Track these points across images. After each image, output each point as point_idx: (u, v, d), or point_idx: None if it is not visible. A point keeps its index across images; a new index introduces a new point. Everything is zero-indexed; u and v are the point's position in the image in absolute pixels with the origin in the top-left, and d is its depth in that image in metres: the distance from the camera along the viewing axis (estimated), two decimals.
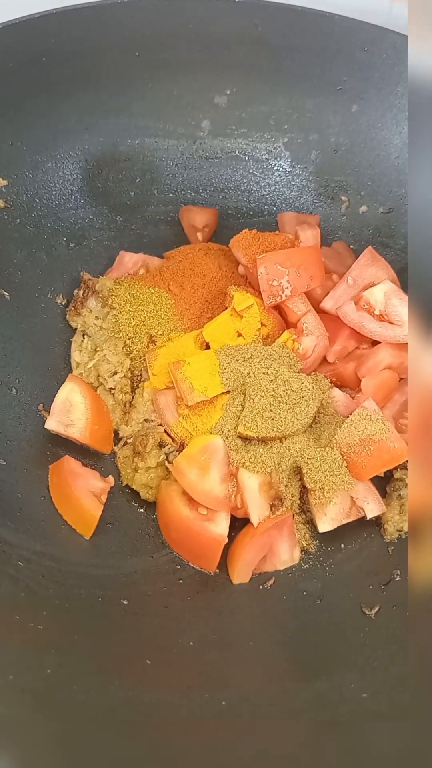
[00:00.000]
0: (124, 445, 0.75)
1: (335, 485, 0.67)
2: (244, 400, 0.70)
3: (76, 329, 0.81)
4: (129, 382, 0.78)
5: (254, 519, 0.67)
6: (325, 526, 0.68)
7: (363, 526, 0.71)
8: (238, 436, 0.70)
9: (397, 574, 0.67)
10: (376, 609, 0.64)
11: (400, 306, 0.76)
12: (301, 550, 0.70)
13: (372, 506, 0.69)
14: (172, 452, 0.72)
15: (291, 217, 0.88)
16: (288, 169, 0.90)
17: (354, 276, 0.79)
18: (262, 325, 0.77)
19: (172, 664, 0.59)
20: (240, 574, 0.67)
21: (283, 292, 0.77)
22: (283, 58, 0.84)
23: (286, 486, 0.69)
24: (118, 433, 0.76)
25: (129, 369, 0.78)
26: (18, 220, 0.81)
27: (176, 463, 0.68)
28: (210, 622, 0.64)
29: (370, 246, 0.85)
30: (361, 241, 0.88)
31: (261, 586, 0.68)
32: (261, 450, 0.69)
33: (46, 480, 0.71)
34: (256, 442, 0.70)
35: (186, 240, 0.90)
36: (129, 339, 0.79)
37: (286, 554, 0.69)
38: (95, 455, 0.75)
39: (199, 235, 0.89)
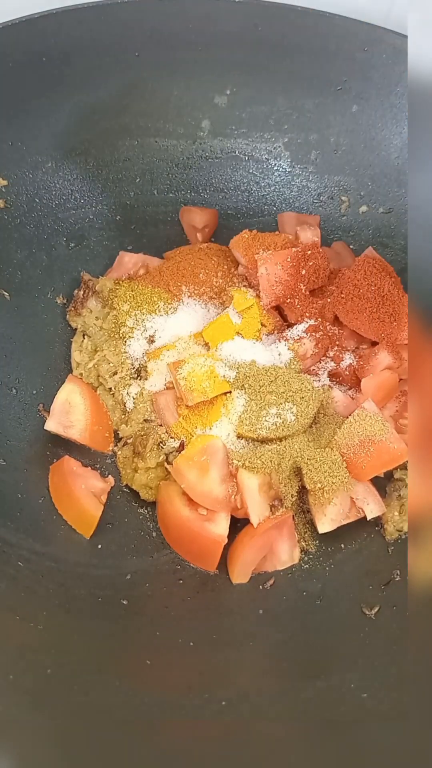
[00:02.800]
0: (124, 446, 0.75)
1: (335, 486, 0.67)
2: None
3: (76, 329, 0.81)
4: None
5: (254, 519, 0.67)
6: (324, 526, 0.68)
7: (363, 526, 0.71)
8: (238, 437, 0.70)
9: (397, 574, 0.67)
10: (376, 609, 0.64)
11: None
12: (301, 551, 0.70)
13: (372, 507, 0.69)
14: (171, 453, 0.72)
15: (291, 218, 0.88)
16: (288, 170, 0.90)
17: None
18: (262, 325, 0.77)
19: (172, 664, 0.59)
20: (240, 574, 0.67)
21: (283, 293, 0.77)
22: (283, 58, 0.84)
23: (285, 486, 0.69)
24: (117, 434, 0.76)
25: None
26: (18, 220, 0.81)
27: (176, 464, 0.68)
28: (210, 622, 0.64)
29: (370, 246, 0.85)
30: (361, 241, 0.88)
31: (261, 586, 0.68)
32: (261, 450, 0.69)
33: (46, 480, 0.71)
34: (256, 442, 0.70)
35: (186, 240, 0.90)
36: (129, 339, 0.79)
37: (285, 554, 0.69)
38: (95, 455, 0.75)
39: (199, 236, 0.89)
